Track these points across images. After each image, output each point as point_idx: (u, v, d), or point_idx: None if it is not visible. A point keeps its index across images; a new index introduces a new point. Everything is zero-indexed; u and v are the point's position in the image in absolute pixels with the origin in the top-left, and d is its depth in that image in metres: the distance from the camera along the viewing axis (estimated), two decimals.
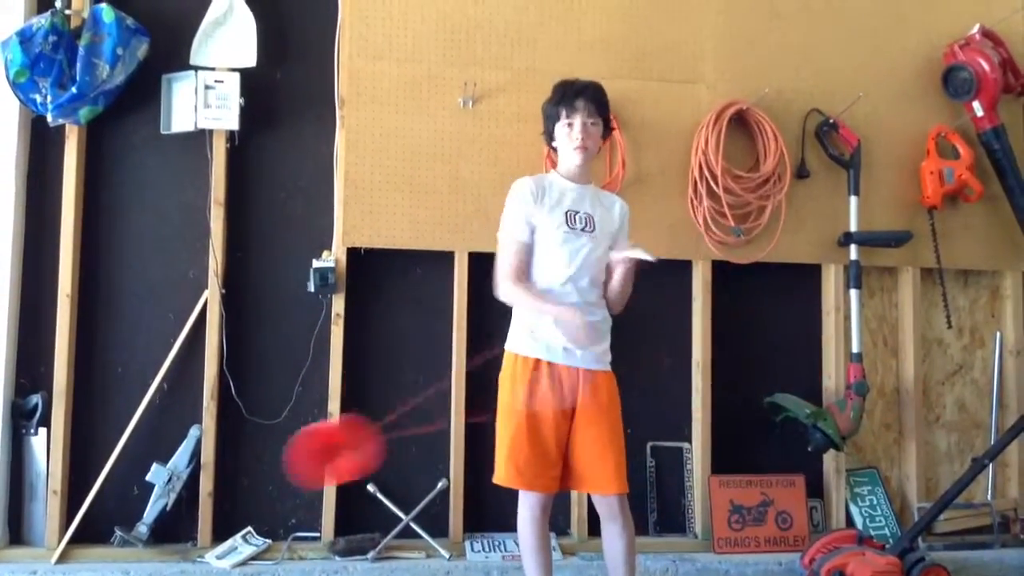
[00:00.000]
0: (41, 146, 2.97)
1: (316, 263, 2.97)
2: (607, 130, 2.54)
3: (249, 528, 2.96)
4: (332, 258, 3.00)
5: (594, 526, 3.00)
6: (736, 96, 3.24)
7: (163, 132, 2.98)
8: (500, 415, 2.42)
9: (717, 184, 3.14)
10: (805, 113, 3.33)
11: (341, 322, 3.01)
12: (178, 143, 3.00)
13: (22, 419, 2.89)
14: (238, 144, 3.03)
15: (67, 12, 2.86)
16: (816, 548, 2.99)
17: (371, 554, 2.89)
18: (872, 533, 3.20)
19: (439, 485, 3.04)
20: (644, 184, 3.19)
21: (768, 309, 3.36)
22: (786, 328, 3.38)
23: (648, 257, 2.33)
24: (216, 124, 2.95)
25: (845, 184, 3.32)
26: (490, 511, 3.03)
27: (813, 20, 3.39)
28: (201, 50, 2.98)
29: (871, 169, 3.36)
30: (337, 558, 2.88)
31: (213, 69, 2.97)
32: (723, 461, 3.23)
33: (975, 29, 3.45)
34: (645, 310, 2.99)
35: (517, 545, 2.51)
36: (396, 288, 3.13)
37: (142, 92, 2.96)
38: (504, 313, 2.52)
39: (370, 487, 3.01)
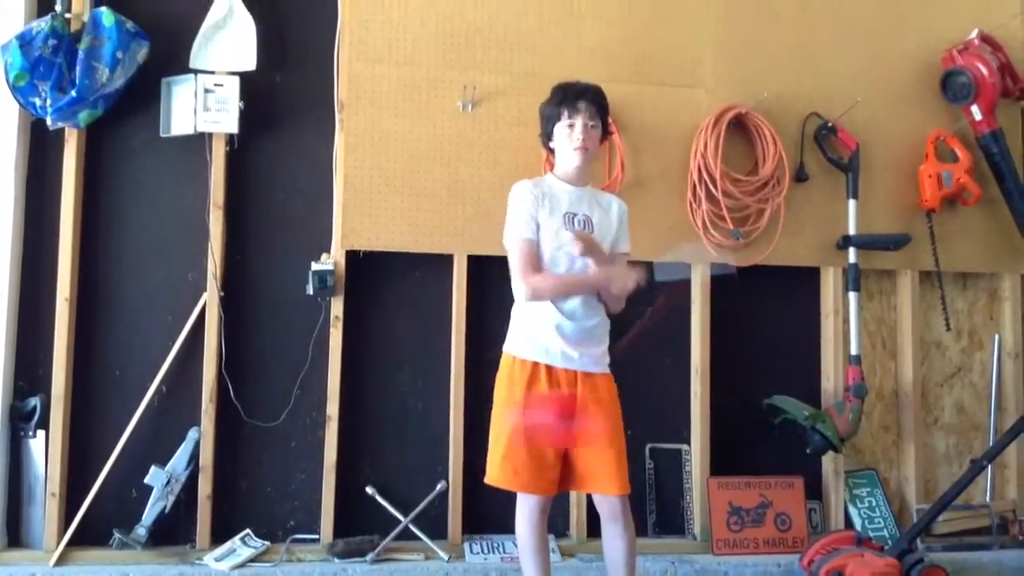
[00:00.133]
0: (41, 149, 2.97)
1: (315, 266, 2.97)
2: (605, 133, 2.55)
3: (248, 530, 2.96)
4: (331, 261, 3.00)
5: (593, 528, 3.01)
6: (735, 100, 3.25)
7: (163, 135, 2.98)
8: (495, 416, 2.43)
9: (716, 187, 3.15)
10: (804, 117, 3.34)
11: (340, 324, 3.01)
12: (177, 146, 3.00)
13: (21, 422, 2.89)
14: (237, 147, 3.03)
15: (67, 16, 2.86)
16: (815, 549, 2.99)
17: (370, 556, 2.89)
18: (871, 534, 3.20)
19: (438, 487, 3.05)
20: (643, 187, 3.20)
21: (767, 312, 3.37)
22: (785, 330, 3.39)
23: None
24: (216, 127, 2.95)
25: (844, 187, 3.33)
26: (489, 513, 3.03)
27: (812, 24, 3.40)
28: (201, 54, 2.98)
29: (870, 172, 3.37)
30: (336, 560, 2.88)
31: (213, 73, 2.97)
32: (722, 463, 3.23)
33: (974, 34, 3.46)
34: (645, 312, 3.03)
35: (516, 547, 2.51)
36: (395, 291, 3.13)
37: (142, 95, 2.97)
38: (503, 316, 2.52)
39: (369, 489, 3.02)
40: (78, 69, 2.78)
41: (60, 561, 2.79)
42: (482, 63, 3.14)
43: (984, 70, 3.34)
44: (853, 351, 3.27)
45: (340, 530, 2.96)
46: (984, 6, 3.54)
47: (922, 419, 3.46)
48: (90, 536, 2.86)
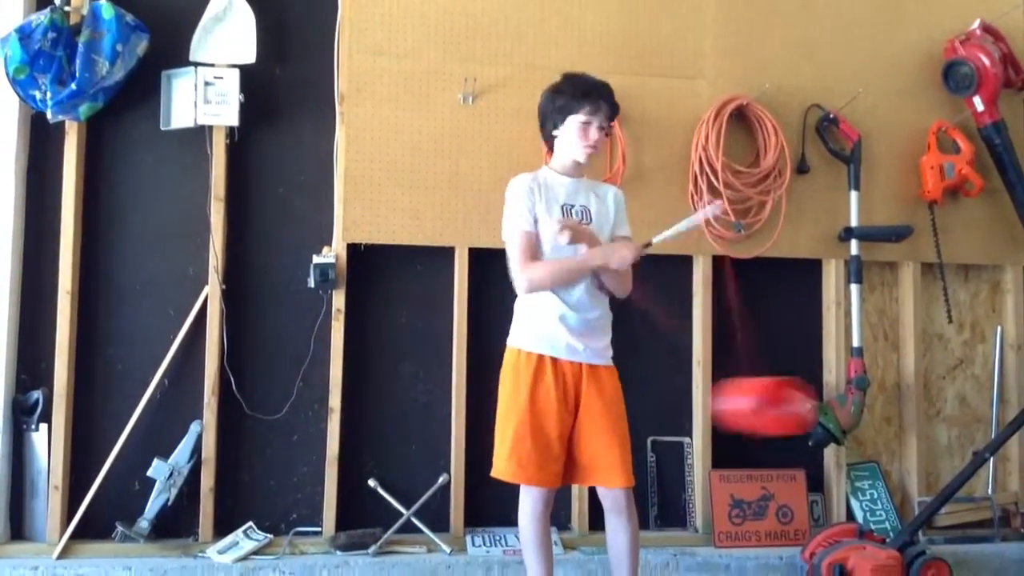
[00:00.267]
0: (41, 142, 2.96)
1: (316, 259, 2.97)
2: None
3: (250, 523, 2.96)
4: (332, 254, 3.00)
5: (596, 520, 3.01)
6: (736, 91, 3.24)
7: (163, 128, 2.97)
8: (501, 409, 2.43)
9: (717, 179, 3.14)
10: (805, 108, 3.33)
11: (342, 318, 3.01)
12: (178, 139, 3.00)
13: (23, 415, 2.90)
14: (238, 140, 3.03)
15: (66, 8, 2.86)
16: (817, 542, 2.99)
17: (372, 549, 2.89)
18: (873, 527, 3.20)
19: (440, 480, 3.05)
20: (644, 179, 3.19)
21: (769, 304, 3.36)
22: (787, 323, 3.38)
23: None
24: (216, 120, 2.94)
25: (845, 179, 3.32)
26: (491, 506, 3.03)
27: (813, 15, 3.39)
28: (201, 46, 2.98)
29: (871, 164, 3.36)
30: (338, 553, 2.89)
31: (213, 65, 2.96)
32: (723, 456, 3.23)
33: (975, 24, 3.44)
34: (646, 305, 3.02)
35: (518, 540, 2.51)
36: (396, 284, 3.13)
37: (142, 88, 2.96)
38: (504, 308, 2.52)
39: (371, 482, 3.02)
40: (78, 62, 2.77)
41: (63, 554, 2.79)
42: (483, 55, 3.14)
43: (986, 61, 3.32)
44: (855, 343, 3.27)
45: (342, 523, 2.97)
46: None
47: (924, 411, 3.46)
48: (93, 529, 2.86)
